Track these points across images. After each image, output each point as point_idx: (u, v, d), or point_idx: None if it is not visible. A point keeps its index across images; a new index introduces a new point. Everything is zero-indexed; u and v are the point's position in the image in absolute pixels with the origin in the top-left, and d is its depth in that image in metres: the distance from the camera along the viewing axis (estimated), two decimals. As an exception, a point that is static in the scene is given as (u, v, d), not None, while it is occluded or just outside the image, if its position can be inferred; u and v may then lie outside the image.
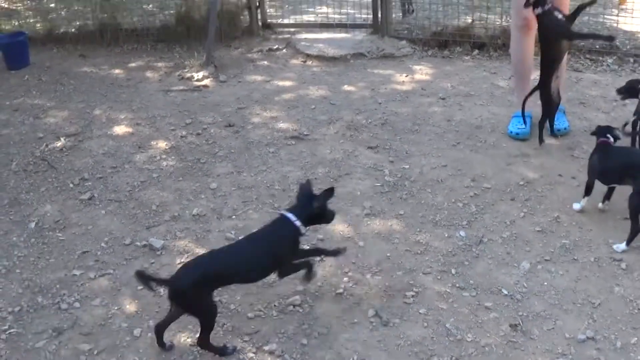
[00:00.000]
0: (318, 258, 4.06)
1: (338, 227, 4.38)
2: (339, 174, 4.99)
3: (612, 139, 4.43)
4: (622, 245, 4.18)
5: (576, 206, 4.55)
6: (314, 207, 3.61)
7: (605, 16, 7.72)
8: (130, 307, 3.85)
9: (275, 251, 3.55)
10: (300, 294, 3.85)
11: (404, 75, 6.79)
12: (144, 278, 3.41)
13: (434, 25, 7.68)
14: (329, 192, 3.67)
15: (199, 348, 3.49)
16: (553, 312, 3.71)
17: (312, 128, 5.66)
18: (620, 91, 5.21)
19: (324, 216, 3.71)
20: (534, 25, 5.28)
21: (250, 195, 4.80)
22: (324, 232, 4.33)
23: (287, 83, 6.70)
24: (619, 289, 3.88)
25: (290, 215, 3.60)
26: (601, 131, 4.47)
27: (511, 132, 5.47)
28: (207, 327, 3.41)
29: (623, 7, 5.46)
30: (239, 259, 3.52)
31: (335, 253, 3.85)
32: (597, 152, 4.46)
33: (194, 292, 3.32)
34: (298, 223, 3.57)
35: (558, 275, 3.98)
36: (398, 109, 6.00)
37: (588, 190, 4.48)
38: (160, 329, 3.49)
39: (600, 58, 6.97)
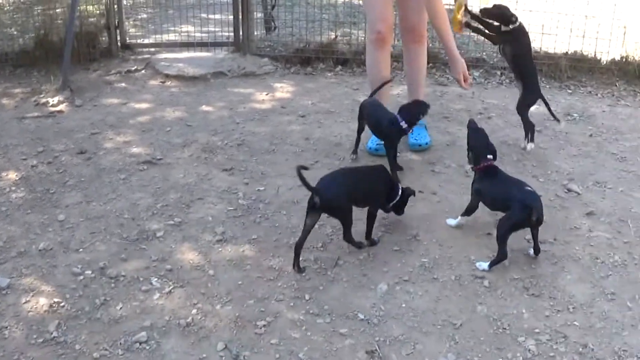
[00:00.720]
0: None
1: (187, 256, 4.13)
2: (191, 198, 4.74)
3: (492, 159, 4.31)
4: (485, 265, 4.08)
5: (451, 222, 4.45)
6: None
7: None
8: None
9: None
10: (147, 330, 3.57)
11: (265, 93, 6.60)
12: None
13: (297, 41, 7.53)
14: None
15: None
16: (412, 335, 3.56)
17: (165, 152, 5.39)
18: (485, 13, 5.27)
19: None
20: (389, 39, 5.19)
21: (98, 225, 4.48)
22: (172, 262, 4.07)
23: (144, 105, 6.40)
24: (482, 307, 3.76)
25: None
26: (482, 153, 4.33)
27: (370, 147, 5.35)
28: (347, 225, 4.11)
29: (459, 34, 5.48)
30: None
31: None
32: (485, 177, 4.30)
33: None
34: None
35: (417, 295, 3.84)
36: (256, 128, 5.80)
37: (469, 212, 4.38)
38: (299, 247, 4.02)
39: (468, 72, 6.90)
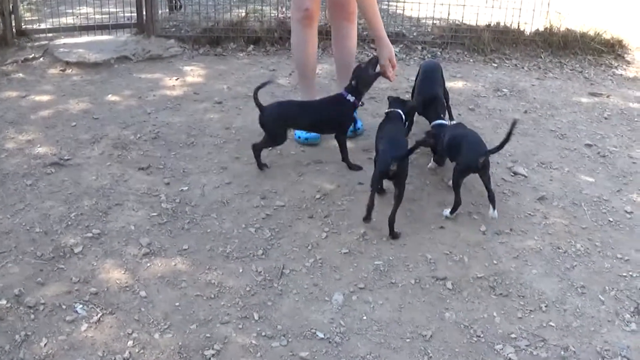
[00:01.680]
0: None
1: (113, 275, 3.59)
2: (108, 205, 4.17)
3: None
4: (447, 212, 4.11)
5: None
6: None
7: (390, 3, 7.36)
8: None
9: None
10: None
11: (174, 78, 6.04)
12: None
13: (205, 20, 6.97)
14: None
15: None
16: (381, 352, 3.18)
17: (73, 150, 4.78)
18: None
19: None
20: (317, 17, 4.77)
21: (8, 243, 3.83)
22: (96, 283, 3.54)
23: (45, 97, 5.69)
24: (450, 314, 3.42)
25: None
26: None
27: (299, 137, 4.90)
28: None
29: None
30: None
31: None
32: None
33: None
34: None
35: (377, 305, 3.45)
36: (170, 118, 5.25)
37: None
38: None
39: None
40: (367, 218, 3.98)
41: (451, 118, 5.09)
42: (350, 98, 4.55)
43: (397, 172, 3.88)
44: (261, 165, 4.56)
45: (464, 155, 4.10)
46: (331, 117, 4.55)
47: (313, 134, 4.83)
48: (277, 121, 4.51)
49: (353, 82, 4.56)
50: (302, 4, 4.68)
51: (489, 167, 4.12)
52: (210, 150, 4.81)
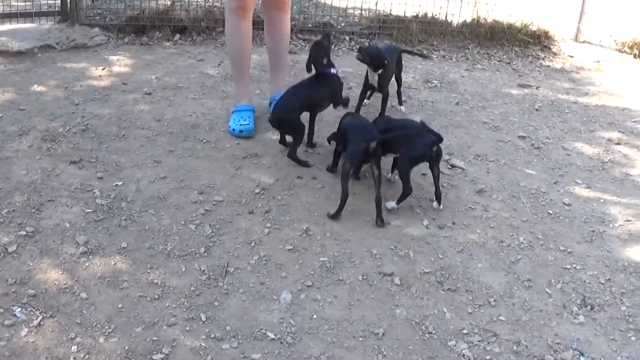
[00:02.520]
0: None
1: (50, 275, 3.44)
2: (40, 201, 3.99)
3: None
4: (393, 204, 4.10)
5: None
6: None
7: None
8: None
9: None
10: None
11: (101, 68, 5.82)
12: None
13: (130, 9, 6.75)
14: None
15: None
16: (334, 352, 3.14)
17: (1, 143, 4.53)
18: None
19: None
20: (252, 6, 4.66)
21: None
22: (34, 285, 3.37)
23: (-32, 88, 5.43)
24: (401, 310, 3.40)
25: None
26: None
27: (233, 130, 4.78)
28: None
29: None
30: None
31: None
32: None
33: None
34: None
35: (327, 303, 3.40)
36: (99, 110, 5.05)
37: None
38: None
39: (314, 37, 6.44)
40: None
41: (400, 103, 5.25)
42: (334, 71, 4.62)
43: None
44: (305, 163, 4.50)
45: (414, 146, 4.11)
46: (329, 94, 4.62)
47: (247, 127, 4.73)
48: (298, 112, 4.50)
49: (324, 60, 4.58)
50: None
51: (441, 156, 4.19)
52: (143, 143, 4.66)
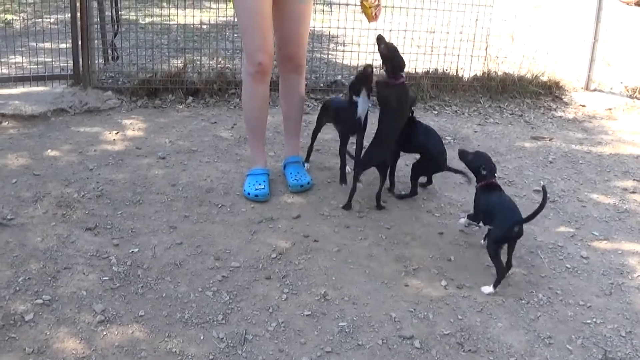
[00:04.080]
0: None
1: (68, 345, 3.40)
2: (56, 268, 3.97)
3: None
4: (490, 288, 3.95)
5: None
6: None
7: (330, 52, 7.36)
8: None
9: None
10: None
11: (114, 132, 5.86)
12: None
13: (142, 71, 6.83)
14: None
15: None
16: (354, 420, 3.06)
17: (16, 209, 4.55)
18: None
19: None
20: (270, 71, 4.68)
21: (-47, 311, 3.63)
22: (51, 354, 3.34)
23: (-20, 152, 5.47)
24: (421, 375, 3.32)
25: None
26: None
27: (249, 194, 4.79)
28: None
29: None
30: None
31: None
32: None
33: None
34: None
35: (346, 369, 3.34)
36: (113, 175, 5.08)
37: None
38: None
39: (326, 97, 6.47)
40: None
41: None
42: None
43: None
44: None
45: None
46: None
47: (262, 191, 4.75)
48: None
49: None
50: (255, 58, 4.57)
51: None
52: (158, 208, 4.66)
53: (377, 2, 4.75)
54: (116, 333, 3.51)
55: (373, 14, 4.74)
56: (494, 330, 3.65)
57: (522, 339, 3.62)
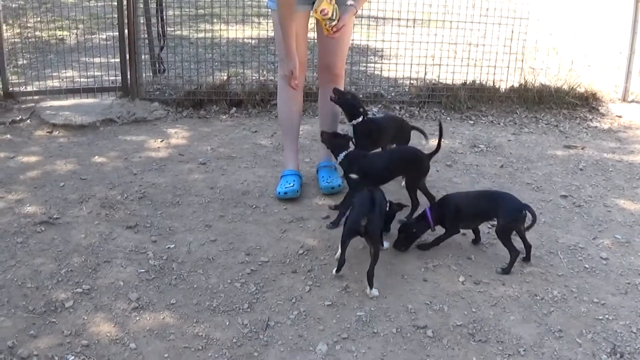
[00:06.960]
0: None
1: (103, 328, 3.68)
2: (97, 262, 4.27)
3: None
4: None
5: None
6: None
7: (368, 64, 7.56)
8: None
9: None
10: None
11: (159, 140, 6.17)
12: None
13: (188, 83, 7.14)
14: None
15: None
16: (366, 400, 3.26)
17: (62, 210, 4.89)
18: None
19: None
20: (302, 78, 4.94)
21: (0, 298, 3.93)
22: (87, 336, 3.62)
23: (33, 158, 5.80)
24: (431, 360, 3.49)
25: None
26: None
27: (279, 193, 5.03)
28: None
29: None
30: None
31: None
32: None
33: None
34: None
35: (360, 354, 3.54)
36: (155, 179, 5.38)
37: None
38: None
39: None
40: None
41: None
42: None
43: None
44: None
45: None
46: None
47: (291, 189, 4.99)
48: None
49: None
50: (288, 64, 4.81)
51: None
52: (196, 209, 4.93)
53: (331, 16, 4.68)
54: (148, 318, 3.77)
55: (328, 26, 4.73)
56: (506, 323, 3.80)
57: (533, 331, 3.76)
